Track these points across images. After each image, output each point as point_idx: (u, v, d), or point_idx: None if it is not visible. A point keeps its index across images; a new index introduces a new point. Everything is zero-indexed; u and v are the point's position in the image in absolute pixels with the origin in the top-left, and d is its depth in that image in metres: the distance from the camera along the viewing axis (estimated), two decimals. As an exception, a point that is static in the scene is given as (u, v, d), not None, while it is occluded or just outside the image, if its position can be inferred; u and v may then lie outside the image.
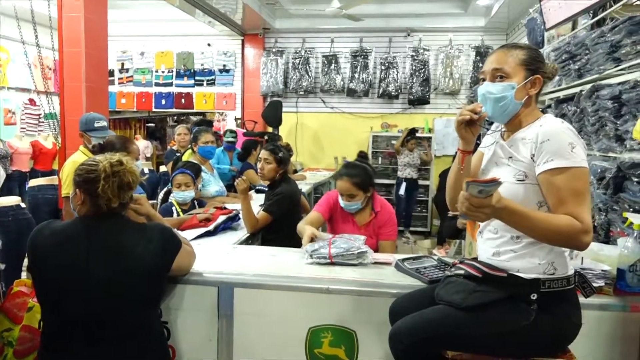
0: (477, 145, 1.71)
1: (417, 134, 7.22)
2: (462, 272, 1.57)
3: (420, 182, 7.30)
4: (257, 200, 3.64)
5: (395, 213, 2.66)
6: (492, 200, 1.29)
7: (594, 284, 1.65)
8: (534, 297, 1.43)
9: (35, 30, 4.91)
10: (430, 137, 7.62)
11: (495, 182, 1.28)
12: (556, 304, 1.45)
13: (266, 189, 3.52)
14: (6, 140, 6.64)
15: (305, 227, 2.49)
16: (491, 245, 1.55)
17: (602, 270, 1.76)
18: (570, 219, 1.35)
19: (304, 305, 1.92)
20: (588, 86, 2.92)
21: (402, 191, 7.01)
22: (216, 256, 2.27)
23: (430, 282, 1.84)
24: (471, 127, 1.55)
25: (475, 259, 1.62)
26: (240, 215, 3.05)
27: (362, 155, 3.00)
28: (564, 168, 1.38)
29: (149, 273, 1.65)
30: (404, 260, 2.06)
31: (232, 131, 5.36)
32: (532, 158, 1.44)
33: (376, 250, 2.61)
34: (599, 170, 2.62)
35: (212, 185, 3.92)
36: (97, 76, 4.60)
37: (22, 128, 7.33)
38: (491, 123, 1.69)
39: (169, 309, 1.96)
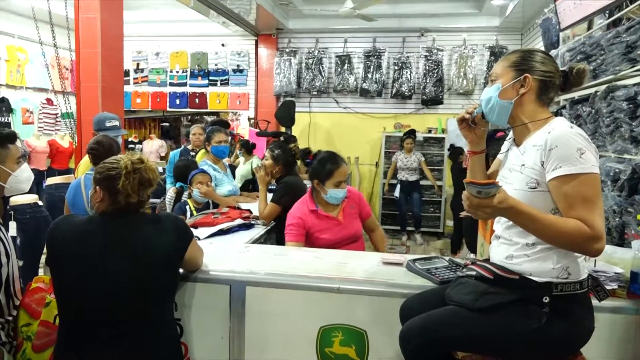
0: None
1: (430, 135, 7.17)
2: (473, 273, 1.57)
3: (423, 182, 7.21)
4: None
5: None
6: (493, 200, 1.31)
7: (607, 287, 1.64)
8: (546, 300, 1.42)
9: (52, 32, 5.00)
10: (443, 138, 7.59)
11: (493, 185, 1.30)
12: (568, 307, 1.44)
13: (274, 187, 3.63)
14: (24, 139, 6.76)
15: None
16: (505, 249, 1.55)
17: (616, 273, 1.74)
18: (579, 223, 1.34)
19: (315, 304, 1.93)
20: (603, 87, 2.89)
21: (396, 193, 7.08)
22: (229, 255, 2.29)
23: (441, 283, 1.84)
24: (473, 128, 1.65)
25: (487, 261, 1.61)
26: (253, 222, 3.13)
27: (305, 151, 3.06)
28: (572, 175, 1.36)
29: (164, 263, 1.68)
30: (415, 260, 2.06)
31: None
32: (542, 165, 1.43)
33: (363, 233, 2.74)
34: (614, 172, 2.59)
35: (226, 184, 3.95)
36: (113, 76, 4.67)
37: (39, 127, 7.46)
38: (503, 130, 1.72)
39: (182, 306, 1.99)
